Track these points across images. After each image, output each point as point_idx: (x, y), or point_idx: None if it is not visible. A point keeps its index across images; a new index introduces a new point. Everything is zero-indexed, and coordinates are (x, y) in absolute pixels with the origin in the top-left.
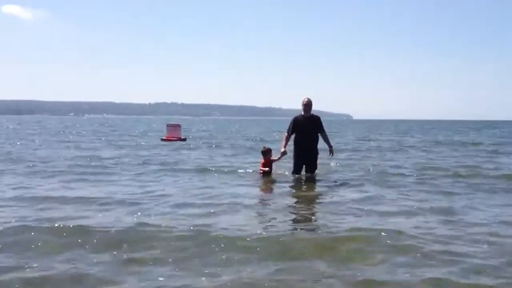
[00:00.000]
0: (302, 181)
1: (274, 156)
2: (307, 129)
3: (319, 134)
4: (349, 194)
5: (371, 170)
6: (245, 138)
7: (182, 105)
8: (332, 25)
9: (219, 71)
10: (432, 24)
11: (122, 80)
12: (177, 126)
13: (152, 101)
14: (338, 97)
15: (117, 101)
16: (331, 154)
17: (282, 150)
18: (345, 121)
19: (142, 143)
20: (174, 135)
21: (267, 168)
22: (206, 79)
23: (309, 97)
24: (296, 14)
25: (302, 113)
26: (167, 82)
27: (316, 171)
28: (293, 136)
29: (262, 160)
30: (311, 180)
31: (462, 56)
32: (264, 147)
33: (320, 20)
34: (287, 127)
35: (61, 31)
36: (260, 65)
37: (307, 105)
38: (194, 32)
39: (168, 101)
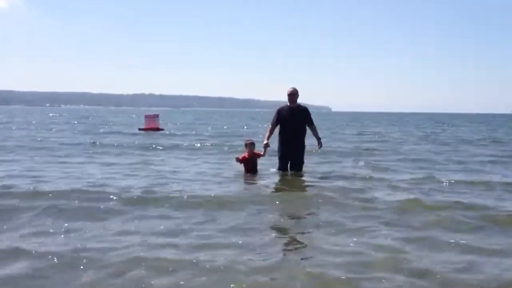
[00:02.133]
0: (286, 180)
1: (258, 150)
2: (292, 120)
3: (306, 127)
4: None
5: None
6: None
7: (161, 96)
8: (311, 18)
9: (198, 63)
10: (414, 18)
11: (99, 71)
12: (154, 117)
13: (131, 92)
14: (318, 90)
15: (95, 91)
16: (319, 147)
17: (265, 142)
18: (325, 113)
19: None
20: (152, 125)
21: (242, 165)
22: (185, 71)
23: (294, 86)
24: (275, 7)
25: (288, 103)
26: (145, 73)
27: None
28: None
29: (245, 154)
30: (296, 182)
31: (444, 50)
32: (248, 140)
33: (298, 13)
34: (272, 119)
35: (38, 21)
36: (238, 57)
37: (292, 94)
38: (173, 23)
39: (147, 92)
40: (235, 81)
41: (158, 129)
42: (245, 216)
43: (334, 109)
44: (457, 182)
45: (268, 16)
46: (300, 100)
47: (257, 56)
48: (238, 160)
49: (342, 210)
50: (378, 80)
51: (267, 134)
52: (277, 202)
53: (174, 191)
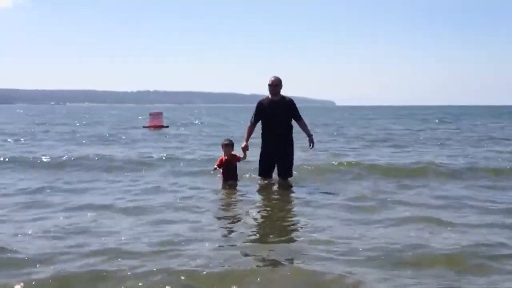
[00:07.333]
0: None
1: (237, 153)
2: (275, 115)
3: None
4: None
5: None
6: None
7: (165, 93)
8: (314, 11)
9: (201, 58)
10: (418, 11)
11: (103, 68)
12: (159, 114)
13: (135, 89)
14: (321, 84)
15: (99, 89)
16: (311, 146)
17: (243, 144)
18: (329, 108)
19: None
20: (156, 122)
21: (220, 174)
22: (189, 67)
23: (277, 75)
24: (279, 1)
25: (269, 95)
26: (149, 70)
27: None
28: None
29: (222, 156)
30: (282, 194)
31: (446, 44)
32: (226, 140)
33: (302, 7)
34: (251, 116)
35: (41, 19)
36: (242, 52)
37: (273, 85)
38: (175, 20)
39: (151, 89)
40: (239, 76)
41: (162, 127)
42: None
43: (337, 103)
44: None
45: (271, 9)
46: (304, 94)
47: (260, 50)
48: (216, 167)
49: None
50: (379, 72)
51: (246, 135)
52: None
53: None
